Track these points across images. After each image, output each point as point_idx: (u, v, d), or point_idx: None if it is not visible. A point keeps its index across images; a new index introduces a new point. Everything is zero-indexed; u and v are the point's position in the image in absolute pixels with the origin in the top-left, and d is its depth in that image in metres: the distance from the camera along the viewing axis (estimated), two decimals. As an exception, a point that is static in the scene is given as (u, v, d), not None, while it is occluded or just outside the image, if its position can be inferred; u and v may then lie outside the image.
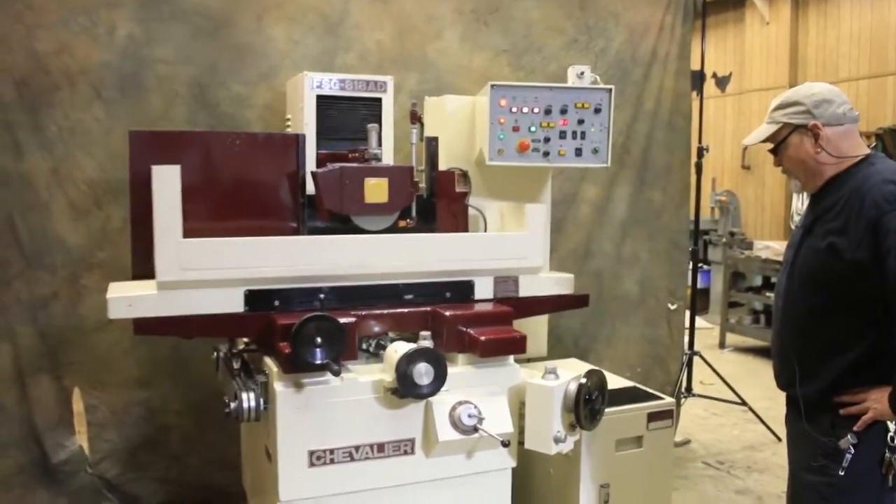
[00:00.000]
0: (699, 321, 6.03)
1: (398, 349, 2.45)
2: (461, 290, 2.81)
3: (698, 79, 5.43)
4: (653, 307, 4.64)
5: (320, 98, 3.20)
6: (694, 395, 5.36)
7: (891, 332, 2.23)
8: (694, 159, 5.04)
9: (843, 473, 2.29)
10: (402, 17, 3.99)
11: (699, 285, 5.95)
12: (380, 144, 2.92)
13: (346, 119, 3.24)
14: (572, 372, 2.62)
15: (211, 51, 3.64)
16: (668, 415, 3.28)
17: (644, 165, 4.53)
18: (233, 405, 2.48)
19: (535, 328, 3.36)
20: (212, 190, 2.71)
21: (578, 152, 3.14)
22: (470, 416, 2.50)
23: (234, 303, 2.54)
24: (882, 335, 2.26)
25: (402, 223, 2.89)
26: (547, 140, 3.10)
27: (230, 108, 3.69)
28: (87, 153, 3.47)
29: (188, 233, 2.46)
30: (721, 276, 8.27)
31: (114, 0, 3.46)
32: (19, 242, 3.42)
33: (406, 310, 2.71)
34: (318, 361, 2.34)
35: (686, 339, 5.15)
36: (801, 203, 7.83)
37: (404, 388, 2.39)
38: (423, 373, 2.40)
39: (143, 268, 2.73)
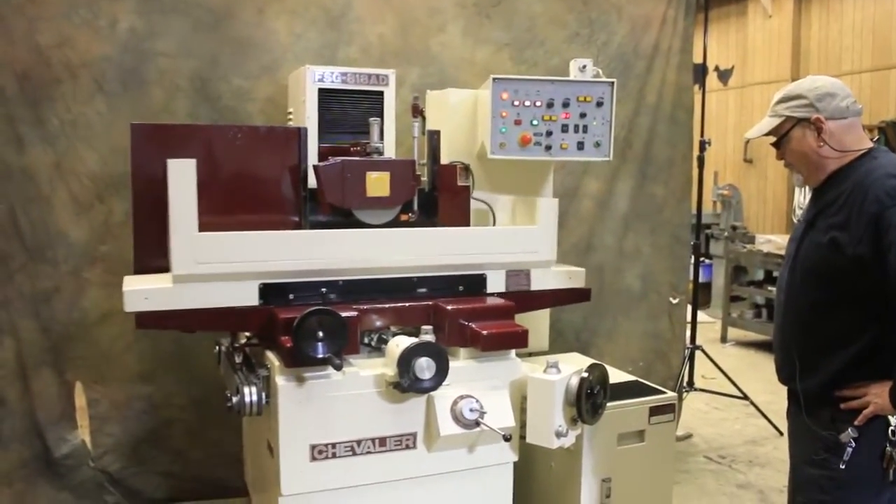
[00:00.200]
0: (701, 315, 6.02)
1: (400, 343, 2.45)
2: (474, 284, 2.83)
3: (700, 72, 5.41)
4: (654, 301, 4.64)
5: (322, 91, 3.19)
6: (695, 390, 5.37)
7: (892, 326, 2.23)
8: (696, 153, 5.03)
9: (843, 467, 2.29)
10: (404, 10, 3.99)
11: (701, 279, 5.96)
12: (382, 138, 2.92)
13: (348, 113, 3.23)
14: (574, 366, 2.62)
15: (212, 44, 3.64)
16: (670, 409, 3.28)
17: (646, 159, 4.52)
18: (235, 399, 2.48)
19: (537, 322, 3.36)
20: (213, 183, 2.71)
21: (580, 146, 3.13)
22: (471, 410, 2.50)
23: (248, 296, 2.55)
24: (883, 330, 2.26)
25: (403, 217, 2.89)
26: (549, 134, 3.09)
27: (232, 102, 3.69)
28: (88, 146, 3.48)
29: (190, 226, 2.47)
30: (723, 270, 8.26)
31: (115, -7, 3.46)
32: (21, 236, 3.42)
33: (408, 304, 2.71)
34: (320, 355, 2.35)
35: (688, 333, 5.14)
36: (803, 197, 7.81)
37: (406, 383, 2.40)
38: (424, 367, 2.40)
39: (146, 262, 2.73)
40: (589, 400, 2.56)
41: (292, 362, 2.40)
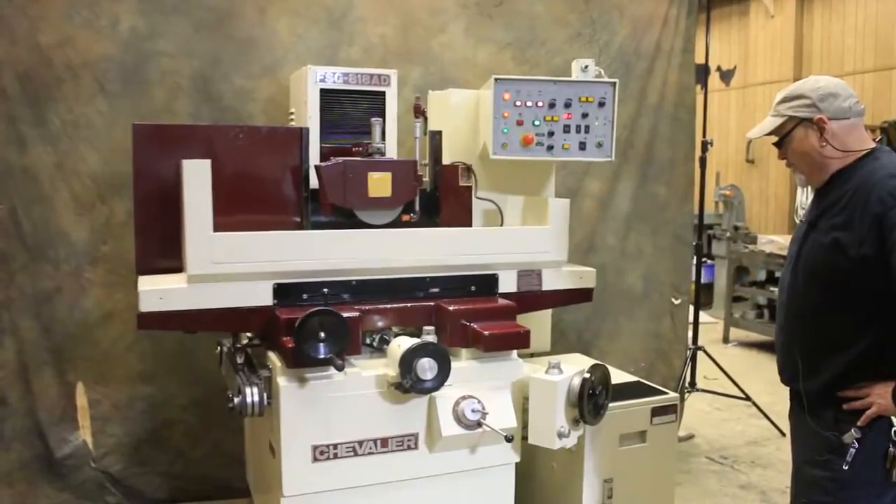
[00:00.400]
0: (703, 316, 6.02)
1: (402, 344, 2.45)
2: (486, 284, 2.84)
3: (702, 72, 5.41)
4: (656, 302, 4.64)
5: (324, 92, 3.19)
6: (698, 390, 5.36)
7: (894, 327, 2.22)
8: (698, 153, 5.02)
9: (846, 468, 2.28)
10: (406, 10, 3.99)
11: (703, 280, 5.96)
12: (383, 138, 2.92)
13: (349, 113, 3.23)
14: (576, 367, 2.62)
15: (214, 44, 3.64)
16: (672, 410, 3.27)
17: (648, 159, 4.52)
18: (236, 400, 2.48)
19: (539, 322, 3.35)
20: (215, 183, 2.70)
21: (582, 146, 3.13)
22: (473, 410, 2.50)
23: (263, 296, 2.56)
24: (886, 330, 2.25)
25: (405, 217, 2.89)
26: (551, 134, 3.09)
27: (233, 102, 3.69)
28: (90, 146, 3.48)
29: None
30: (725, 270, 8.25)
31: (116, -7, 3.46)
32: (23, 236, 3.42)
33: (410, 304, 2.71)
34: (322, 356, 2.35)
35: (690, 333, 5.14)
36: (805, 197, 7.79)
37: (408, 383, 2.39)
38: (426, 367, 2.41)
39: (149, 263, 2.73)
40: (591, 400, 2.55)
41: (294, 363, 2.40)
